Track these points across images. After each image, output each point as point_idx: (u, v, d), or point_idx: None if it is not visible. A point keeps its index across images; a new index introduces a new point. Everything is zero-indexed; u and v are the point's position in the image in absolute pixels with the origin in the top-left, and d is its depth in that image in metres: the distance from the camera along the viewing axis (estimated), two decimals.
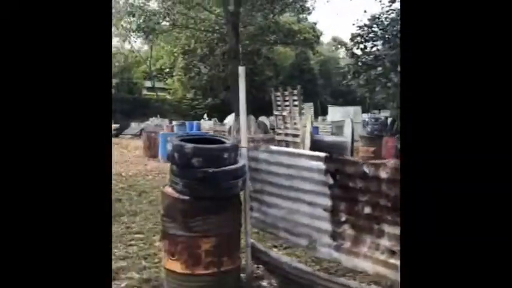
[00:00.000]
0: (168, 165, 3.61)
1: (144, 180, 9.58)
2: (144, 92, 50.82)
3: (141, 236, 5.45)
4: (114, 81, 46.20)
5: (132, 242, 5.18)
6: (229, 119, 29.66)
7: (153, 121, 30.40)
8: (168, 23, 26.79)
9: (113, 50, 50.44)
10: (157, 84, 49.66)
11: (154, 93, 48.20)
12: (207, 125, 25.92)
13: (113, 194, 6.14)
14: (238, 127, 18.81)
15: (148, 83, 50.84)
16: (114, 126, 24.75)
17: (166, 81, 50.45)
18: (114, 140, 22.27)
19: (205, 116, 31.58)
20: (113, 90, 46.56)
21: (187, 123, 23.25)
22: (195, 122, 25.56)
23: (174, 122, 22.67)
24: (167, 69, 50.39)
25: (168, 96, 49.08)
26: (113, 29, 45.24)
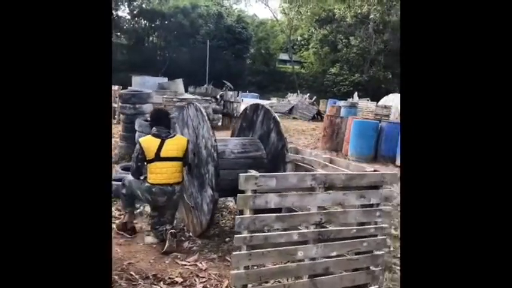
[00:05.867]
0: None
1: None
2: (277, 64, 48.36)
3: None
4: (251, 50, 44.37)
5: None
6: (389, 101, 24.86)
7: (291, 97, 27.13)
8: None
9: (254, 18, 48.74)
10: (293, 57, 46.37)
11: (291, 66, 45.16)
12: (363, 105, 21.53)
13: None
14: None
15: (284, 55, 48.07)
16: (269, 102, 21.96)
17: (302, 54, 47.06)
18: None
19: (355, 94, 27.19)
20: (249, 61, 45.06)
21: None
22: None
23: (341, 103, 18.79)
24: (303, 41, 46.95)
25: (302, 70, 45.81)
26: None
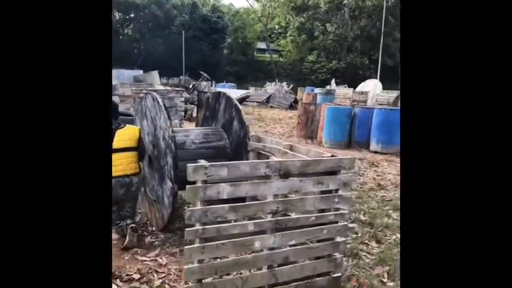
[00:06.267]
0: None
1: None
2: (255, 53, 48.05)
3: None
4: (228, 40, 43.88)
5: None
6: (366, 87, 24.95)
7: (269, 85, 27.01)
8: None
9: (230, 7, 48.22)
10: (270, 46, 46.05)
11: (269, 55, 44.89)
12: (341, 92, 21.59)
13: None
14: None
15: (261, 44, 47.75)
16: (245, 92, 21.72)
17: (279, 42, 46.85)
18: (246, 108, 19.26)
19: (333, 81, 27.23)
20: (226, 51, 44.60)
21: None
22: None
23: (317, 90, 18.74)
24: (280, 29, 46.78)
25: (280, 59, 45.65)
26: None
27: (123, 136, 3.53)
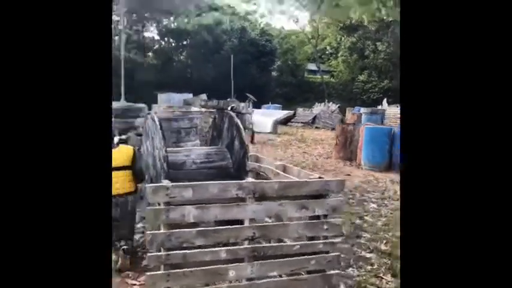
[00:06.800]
0: None
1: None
2: (305, 74, 47.94)
3: None
4: (277, 63, 44.29)
5: None
6: None
7: (317, 106, 26.60)
8: None
9: (277, 31, 49.04)
10: (321, 66, 45.73)
11: (320, 76, 44.55)
12: (391, 112, 20.76)
13: None
14: None
15: (312, 66, 47.61)
16: (287, 112, 21.59)
17: (330, 63, 46.44)
18: (285, 129, 19.06)
19: (385, 101, 26.30)
20: (275, 73, 44.96)
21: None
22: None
23: (362, 110, 18.20)
24: (331, 50, 46.45)
25: (332, 79, 45.11)
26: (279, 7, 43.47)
27: (117, 155, 3.47)
